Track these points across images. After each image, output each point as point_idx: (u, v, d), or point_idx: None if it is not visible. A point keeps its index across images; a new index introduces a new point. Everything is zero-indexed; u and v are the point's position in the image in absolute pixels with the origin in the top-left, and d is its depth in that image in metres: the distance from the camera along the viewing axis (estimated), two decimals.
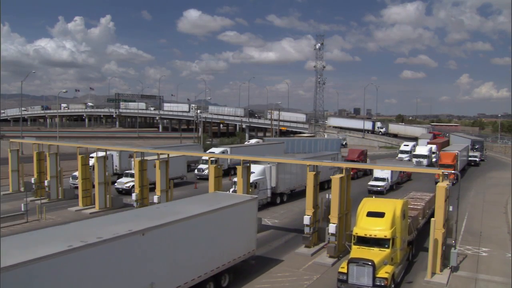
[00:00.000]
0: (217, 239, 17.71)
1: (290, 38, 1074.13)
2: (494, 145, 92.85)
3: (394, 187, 43.47)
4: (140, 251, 14.15)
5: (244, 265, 19.82)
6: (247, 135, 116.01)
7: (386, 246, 17.89)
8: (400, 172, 45.19)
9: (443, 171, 21.44)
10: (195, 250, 16.50)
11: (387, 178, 41.70)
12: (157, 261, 14.77)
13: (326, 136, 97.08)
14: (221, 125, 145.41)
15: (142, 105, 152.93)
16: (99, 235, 13.24)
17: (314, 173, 24.50)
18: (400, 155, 64.97)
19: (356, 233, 18.54)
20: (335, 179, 22.87)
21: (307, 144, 72.47)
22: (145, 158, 32.49)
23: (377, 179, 41.90)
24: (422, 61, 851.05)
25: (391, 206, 19.20)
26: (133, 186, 35.28)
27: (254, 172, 31.90)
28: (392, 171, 41.32)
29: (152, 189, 32.15)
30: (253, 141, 68.83)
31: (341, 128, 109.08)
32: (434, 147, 64.14)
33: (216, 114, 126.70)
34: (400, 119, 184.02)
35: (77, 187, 36.24)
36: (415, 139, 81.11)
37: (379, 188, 40.69)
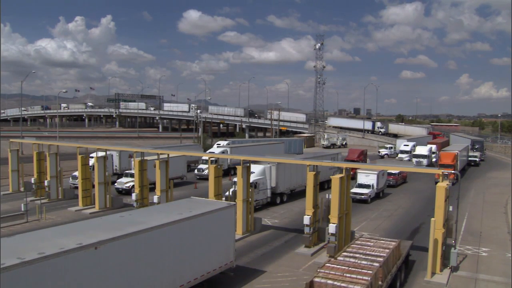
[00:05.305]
0: (186, 251, 16.18)
1: (290, 38, 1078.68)
2: (494, 145, 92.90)
3: (380, 195, 39.06)
4: (92, 268, 12.60)
5: (223, 278, 18.61)
6: (247, 135, 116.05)
7: None
8: (392, 174, 43.47)
9: (443, 171, 21.44)
10: (160, 264, 14.93)
11: (372, 185, 37.40)
12: (113, 279, 13.23)
13: (326, 136, 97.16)
14: (221, 125, 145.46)
15: (142, 105, 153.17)
16: (42, 249, 11.71)
17: (314, 173, 24.51)
18: (400, 155, 65.10)
19: None
20: (335, 179, 22.87)
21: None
22: (145, 158, 32.52)
23: (361, 185, 37.49)
24: (421, 61, 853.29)
25: None
26: (133, 186, 35.29)
27: (254, 172, 31.92)
28: (378, 177, 37.87)
29: (152, 189, 32.16)
30: (224, 143, 67.77)
31: (341, 128, 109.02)
32: (434, 147, 64.24)
33: (216, 114, 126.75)
34: (400, 119, 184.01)
35: (77, 187, 36.27)
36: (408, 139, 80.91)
37: (363, 197, 36.27)
